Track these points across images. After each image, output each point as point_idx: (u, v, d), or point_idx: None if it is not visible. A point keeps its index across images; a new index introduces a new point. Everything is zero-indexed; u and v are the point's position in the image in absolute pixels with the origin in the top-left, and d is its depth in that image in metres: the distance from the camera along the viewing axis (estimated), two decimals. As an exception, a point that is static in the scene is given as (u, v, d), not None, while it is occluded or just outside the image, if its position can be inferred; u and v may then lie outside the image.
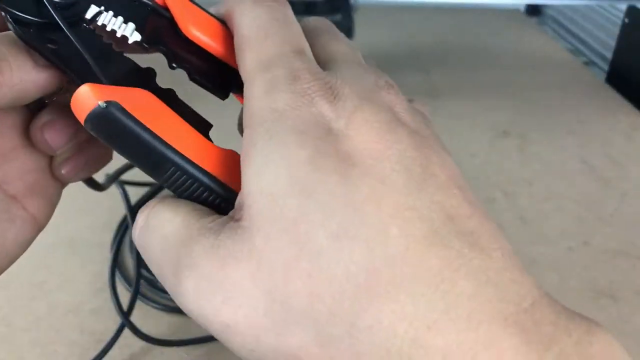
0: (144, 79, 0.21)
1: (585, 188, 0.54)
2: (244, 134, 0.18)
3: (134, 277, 0.38)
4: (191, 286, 0.17)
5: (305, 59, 0.19)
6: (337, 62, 0.20)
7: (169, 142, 0.18)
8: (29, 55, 0.19)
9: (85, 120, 0.18)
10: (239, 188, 0.18)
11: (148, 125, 0.18)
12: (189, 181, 0.19)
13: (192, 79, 0.22)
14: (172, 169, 0.18)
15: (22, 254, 0.22)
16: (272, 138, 0.17)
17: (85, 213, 0.49)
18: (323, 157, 0.16)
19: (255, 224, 0.16)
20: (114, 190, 0.48)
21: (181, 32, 0.21)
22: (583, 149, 0.61)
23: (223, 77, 0.22)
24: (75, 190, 0.51)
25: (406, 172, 0.16)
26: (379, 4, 1.09)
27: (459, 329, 0.14)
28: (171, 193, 0.20)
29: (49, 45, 0.19)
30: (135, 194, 0.48)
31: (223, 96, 0.23)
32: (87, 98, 0.18)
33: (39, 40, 0.19)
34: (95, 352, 0.35)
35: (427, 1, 0.71)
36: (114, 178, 0.31)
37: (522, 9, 1.08)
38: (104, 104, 0.18)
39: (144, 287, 0.40)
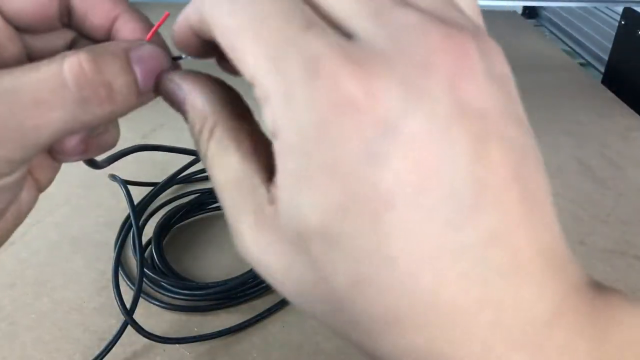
0: None
1: (582, 188, 0.55)
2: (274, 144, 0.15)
3: (137, 276, 0.39)
4: None
5: (318, 34, 0.14)
6: (356, 17, 0.14)
7: None
8: (134, 83, 0.18)
9: None
10: None
11: None
12: None
13: None
14: None
15: (27, 216, 0.22)
16: (300, 179, 0.14)
17: (88, 212, 0.49)
18: (355, 202, 0.13)
19: None
20: (117, 189, 0.49)
21: None
22: (579, 149, 0.61)
23: None
24: (79, 190, 0.52)
25: (455, 200, 0.13)
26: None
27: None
28: None
29: None
30: (138, 193, 0.49)
31: None
32: None
33: None
34: (98, 350, 0.35)
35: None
36: (114, 159, 0.31)
37: (519, 10, 1.08)
38: None
39: (146, 286, 0.41)
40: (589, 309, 0.14)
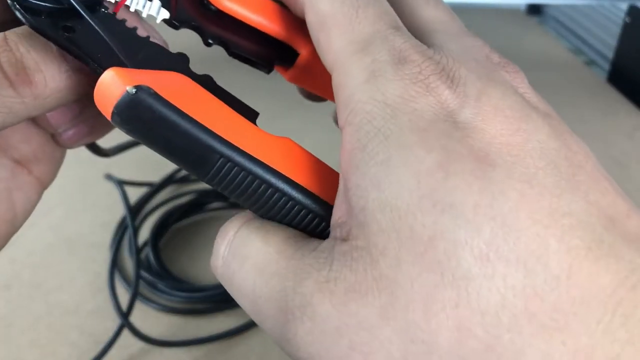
0: (176, 65, 0.18)
1: (587, 188, 0.54)
2: (344, 132, 0.15)
3: (133, 278, 0.38)
4: (305, 331, 0.14)
5: (405, 35, 0.16)
6: (437, 34, 0.17)
7: (213, 130, 0.16)
8: (61, 59, 0.18)
9: (113, 114, 0.15)
10: (307, 182, 0.16)
11: (187, 112, 0.15)
12: (241, 174, 0.16)
13: (231, 54, 0.20)
14: (220, 162, 0.16)
15: (29, 217, 0.21)
16: (388, 139, 0.14)
17: (84, 213, 0.48)
18: (455, 160, 0.13)
19: (376, 245, 0.14)
20: (112, 190, 0.48)
21: (211, 5, 0.19)
22: (584, 148, 0.61)
23: (265, 50, 0.20)
24: (74, 191, 0.51)
25: (553, 169, 0.14)
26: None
27: None
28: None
29: (65, 34, 0.17)
30: (134, 194, 0.48)
31: (267, 70, 0.21)
32: (112, 85, 0.15)
33: (53, 28, 0.17)
34: (94, 353, 0.35)
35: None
36: (122, 148, 0.29)
37: (523, 8, 1.08)
38: (133, 90, 0.15)
39: (143, 288, 0.40)
40: None
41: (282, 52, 0.21)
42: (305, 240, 0.16)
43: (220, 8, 0.19)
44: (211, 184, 0.16)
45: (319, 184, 0.17)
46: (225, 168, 0.16)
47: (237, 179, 0.16)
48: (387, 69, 0.15)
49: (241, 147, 0.16)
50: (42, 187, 0.21)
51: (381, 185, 0.14)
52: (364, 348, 0.13)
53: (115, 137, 0.22)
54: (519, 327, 0.12)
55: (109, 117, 0.16)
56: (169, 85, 0.16)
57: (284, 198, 0.16)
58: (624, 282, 0.12)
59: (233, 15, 0.19)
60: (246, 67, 0.21)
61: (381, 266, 0.13)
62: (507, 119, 0.14)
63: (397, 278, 0.13)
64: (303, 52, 0.20)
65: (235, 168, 0.16)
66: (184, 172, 0.51)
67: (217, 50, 0.21)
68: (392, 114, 0.14)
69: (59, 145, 0.21)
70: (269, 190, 0.16)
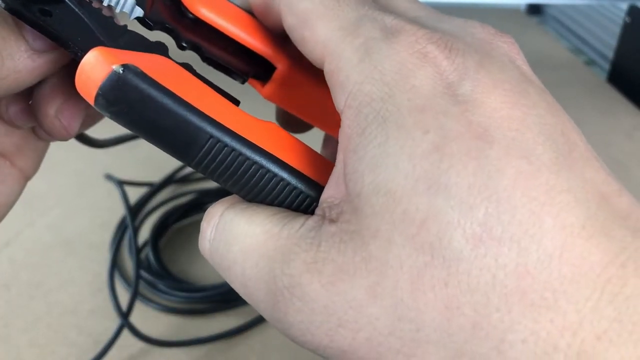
0: (157, 51, 0.17)
1: (587, 188, 0.54)
2: (343, 116, 0.15)
3: (133, 278, 0.38)
4: (295, 310, 0.14)
5: (394, 14, 0.16)
6: (421, 19, 0.17)
7: (203, 110, 0.15)
8: (21, 40, 0.17)
9: (97, 96, 0.15)
10: (294, 161, 0.16)
11: (175, 92, 0.15)
12: (231, 155, 0.16)
13: (205, 59, 0.20)
14: (209, 143, 0.15)
15: (12, 207, 0.21)
16: (386, 122, 0.14)
17: (83, 213, 0.48)
18: (452, 139, 0.13)
19: (368, 228, 0.13)
20: (112, 190, 0.48)
21: (188, 11, 0.19)
22: (584, 148, 0.60)
23: (240, 61, 0.20)
24: (74, 191, 0.51)
25: (551, 145, 0.14)
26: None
27: (637, 340, 0.12)
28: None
29: (42, 17, 0.16)
30: (134, 194, 0.48)
31: (241, 80, 0.21)
32: (97, 65, 0.15)
33: (30, 11, 0.16)
34: (94, 353, 0.35)
35: (428, 1, 0.71)
36: (117, 141, 0.29)
37: (523, 8, 1.07)
38: (120, 69, 0.14)
39: (143, 288, 0.40)
40: None
41: (258, 65, 0.21)
42: (290, 216, 0.16)
43: (198, 16, 0.19)
44: (198, 167, 0.16)
45: (306, 164, 0.17)
46: (215, 149, 0.15)
47: (227, 160, 0.16)
48: (380, 45, 0.14)
49: (230, 128, 0.16)
50: (25, 179, 0.21)
51: (377, 169, 0.14)
52: (352, 325, 0.14)
53: (110, 130, 0.22)
54: (509, 305, 0.12)
55: (91, 101, 0.15)
56: (155, 66, 0.16)
57: (274, 178, 0.16)
58: (614, 260, 0.12)
59: (210, 23, 0.19)
60: (222, 75, 0.21)
61: (371, 248, 0.13)
62: (506, 92, 0.14)
63: (386, 259, 0.13)
64: (280, 67, 0.20)
65: (225, 148, 0.16)
66: (184, 172, 0.51)
67: (191, 55, 0.21)
68: (390, 93, 0.14)
69: (39, 139, 0.21)
70: (259, 171, 0.16)
